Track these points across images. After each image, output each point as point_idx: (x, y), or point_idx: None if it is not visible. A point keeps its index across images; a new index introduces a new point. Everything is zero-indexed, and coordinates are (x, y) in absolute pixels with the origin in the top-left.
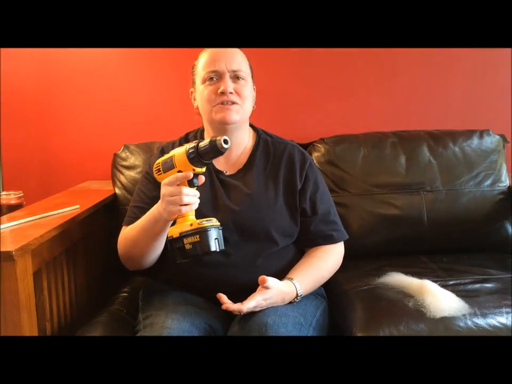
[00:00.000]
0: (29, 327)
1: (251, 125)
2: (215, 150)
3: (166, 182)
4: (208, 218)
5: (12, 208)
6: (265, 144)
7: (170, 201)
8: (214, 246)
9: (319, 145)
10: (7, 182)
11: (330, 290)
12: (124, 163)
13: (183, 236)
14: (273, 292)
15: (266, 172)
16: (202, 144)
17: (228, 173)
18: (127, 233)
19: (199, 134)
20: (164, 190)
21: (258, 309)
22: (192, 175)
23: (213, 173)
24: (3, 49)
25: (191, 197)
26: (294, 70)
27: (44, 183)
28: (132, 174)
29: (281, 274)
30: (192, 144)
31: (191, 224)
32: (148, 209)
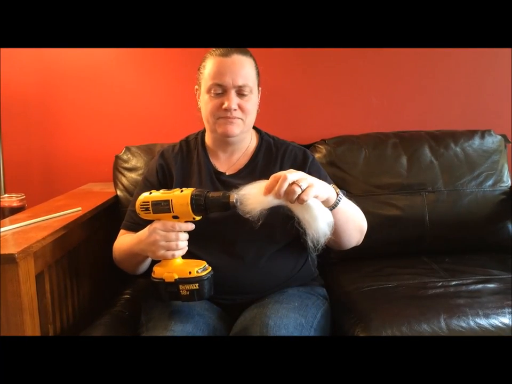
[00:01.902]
0: (31, 330)
1: (254, 127)
2: (226, 207)
3: (161, 227)
4: (203, 265)
5: (14, 210)
6: (268, 145)
7: (164, 246)
8: (208, 294)
9: (320, 146)
10: (9, 184)
11: (332, 291)
12: (126, 165)
13: (180, 282)
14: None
15: (268, 171)
16: (212, 195)
17: (228, 173)
18: (116, 247)
19: (200, 137)
20: (156, 234)
21: (304, 185)
22: (194, 227)
23: (213, 174)
24: (3, 49)
25: (184, 241)
26: (294, 71)
27: (46, 185)
28: (133, 176)
29: (284, 275)
30: (197, 192)
31: (190, 272)
32: None
